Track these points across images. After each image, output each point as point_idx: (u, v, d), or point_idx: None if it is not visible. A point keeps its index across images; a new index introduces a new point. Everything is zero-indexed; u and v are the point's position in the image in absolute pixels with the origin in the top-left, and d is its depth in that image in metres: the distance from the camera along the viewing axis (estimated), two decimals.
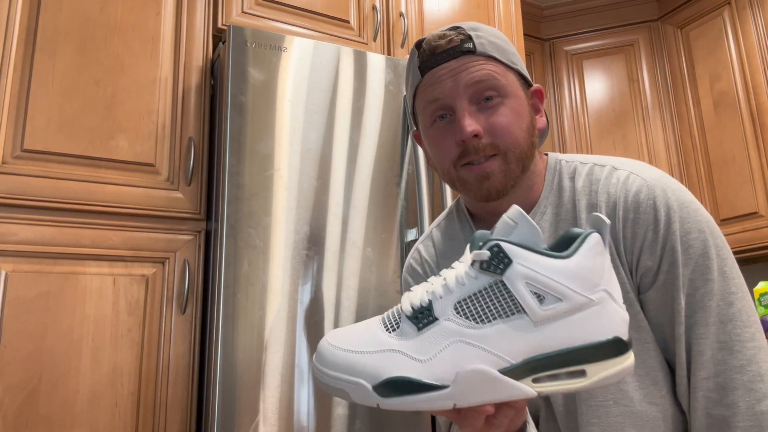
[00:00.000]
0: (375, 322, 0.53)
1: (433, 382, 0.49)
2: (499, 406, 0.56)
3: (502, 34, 0.80)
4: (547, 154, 0.85)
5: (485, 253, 0.51)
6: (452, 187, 0.80)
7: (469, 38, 0.76)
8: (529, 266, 0.50)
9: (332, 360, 0.51)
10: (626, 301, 0.75)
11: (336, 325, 1.45)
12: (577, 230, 0.55)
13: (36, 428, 1.25)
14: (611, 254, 0.74)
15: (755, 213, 2.36)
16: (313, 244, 1.47)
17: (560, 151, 2.77)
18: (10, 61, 1.37)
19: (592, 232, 0.53)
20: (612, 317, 0.51)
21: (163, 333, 1.42)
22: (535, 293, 0.50)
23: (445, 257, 0.89)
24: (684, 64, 2.70)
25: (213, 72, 1.65)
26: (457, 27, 0.77)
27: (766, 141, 2.34)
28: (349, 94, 1.61)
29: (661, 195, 0.74)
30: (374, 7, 1.91)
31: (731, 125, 2.48)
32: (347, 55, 1.64)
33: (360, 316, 1.48)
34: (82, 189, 1.39)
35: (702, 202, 2.57)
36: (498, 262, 0.50)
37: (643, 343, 0.75)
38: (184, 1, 1.63)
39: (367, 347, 0.51)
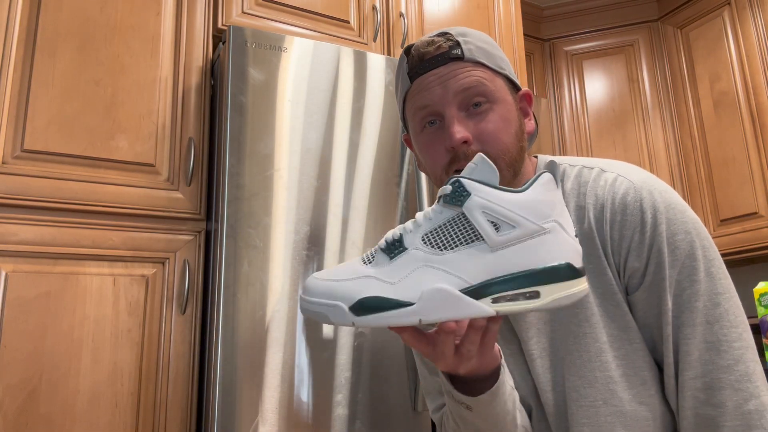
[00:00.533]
0: (356, 259, 0.60)
1: (401, 299, 0.55)
2: (465, 334, 0.60)
3: (490, 39, 0.80)
4: (536, 157, 0.86)
5: (448, 188, 0.58)
6: None
7: (458, 44, 0.76)
8: (485, 198, 0.56)
9: (314, 289, 0.57)
10: (614, 302, 0.76)
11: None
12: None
13: (36, 428, 1.25)
14: (599, 256, 0.76)
15: (755, 213, 2.36)
16: (313, 244, 1.47)
17: (560, 152, 2.77)
18: (10, 61, 1.38)
19: (544, 172, 0.59)
20: (563, 245, 0.56)
21: (163, 333, 1.42)
22: (492, 222, 0.56)
23: None
24: (684, 64, 2.70)
25: (213, 72, 1.65)
26: (446, 33, 0.78)
27: (766, 141, 2.34)
28: (349, 94, 1.61)
29: (647, 197, 0.75)
30: (374, 8, 1.91)
31: (731, 125, 2.48)
32: (347, 55, 1.64)
33: None
34: (82, 189, 1.39)
35: (702, 203, 2.57)
36: (458, 195, 0.57)
37: (631, 344, 0.76)
38: (184, 2, 1.63)
39: (345, 276, 0.57)
